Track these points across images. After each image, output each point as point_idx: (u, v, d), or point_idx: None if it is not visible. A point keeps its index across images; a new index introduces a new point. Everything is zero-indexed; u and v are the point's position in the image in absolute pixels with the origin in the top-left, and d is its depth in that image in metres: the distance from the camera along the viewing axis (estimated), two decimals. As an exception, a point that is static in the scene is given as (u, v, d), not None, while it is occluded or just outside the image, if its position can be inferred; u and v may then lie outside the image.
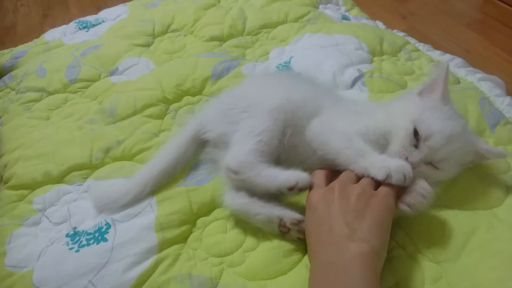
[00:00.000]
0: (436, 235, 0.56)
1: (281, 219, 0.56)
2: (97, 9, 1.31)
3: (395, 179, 0.51)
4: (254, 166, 0.57)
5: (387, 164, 0.52)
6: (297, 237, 0.56)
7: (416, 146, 0.55)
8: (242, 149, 0.59)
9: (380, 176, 0.52)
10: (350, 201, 0.50)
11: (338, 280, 0.44)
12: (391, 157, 0.54)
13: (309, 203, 0.54)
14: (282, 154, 0.62)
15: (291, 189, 0.55)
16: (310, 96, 0.65)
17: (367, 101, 0.78)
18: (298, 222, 0.55)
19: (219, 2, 1.18)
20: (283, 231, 0.56)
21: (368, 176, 0.53)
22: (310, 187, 0.55)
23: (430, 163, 0.56)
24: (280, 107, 0.62)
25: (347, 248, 0.46)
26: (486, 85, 0.81)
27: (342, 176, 0.55)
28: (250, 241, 0.58)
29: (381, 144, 0.57)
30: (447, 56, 0.93)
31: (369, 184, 0.52)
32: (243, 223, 0.60)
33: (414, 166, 0.53)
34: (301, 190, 0.55)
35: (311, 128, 0.61)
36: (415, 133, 0.55)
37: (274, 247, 0.57)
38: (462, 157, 0.57)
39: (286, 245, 0.56)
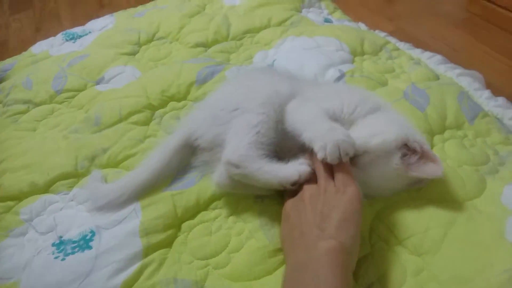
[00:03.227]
0: (416, 227, 0.56)
1: None
2: (90, 23, 1.31)
3: (330, 158, 0.52)
4: (255, 160, 0.56)
5: (325, 141, 0.52)
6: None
7: None
8: (241, 143, 0.57)
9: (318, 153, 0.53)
10: (318, 206, 0.51)
11: (307, 278, 0.44)
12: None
13: (283, 213, 0.56)
14: (277, 145, 0.62)
15: (294, 184, 0.54)
16: (295, 86, 0.66)
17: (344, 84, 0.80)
18: None
19: (204, 9, 1.19)
20: None
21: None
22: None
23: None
24: (271, 99, 0.62)
25: (315, 247, 0.46)
26: (465, 80, 0.82)
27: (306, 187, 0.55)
28: (235, 242, 0.58)
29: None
30: (427, 54, 0.93)
31: (329, 182, 0.53)
32: (228, 224, 0.60)
33: None
34: (304, 182, 0.55)
35: (287, 107, 0.62)
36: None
37: (259, 247, 0.57)
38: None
39: (271, 246, 0.57)
